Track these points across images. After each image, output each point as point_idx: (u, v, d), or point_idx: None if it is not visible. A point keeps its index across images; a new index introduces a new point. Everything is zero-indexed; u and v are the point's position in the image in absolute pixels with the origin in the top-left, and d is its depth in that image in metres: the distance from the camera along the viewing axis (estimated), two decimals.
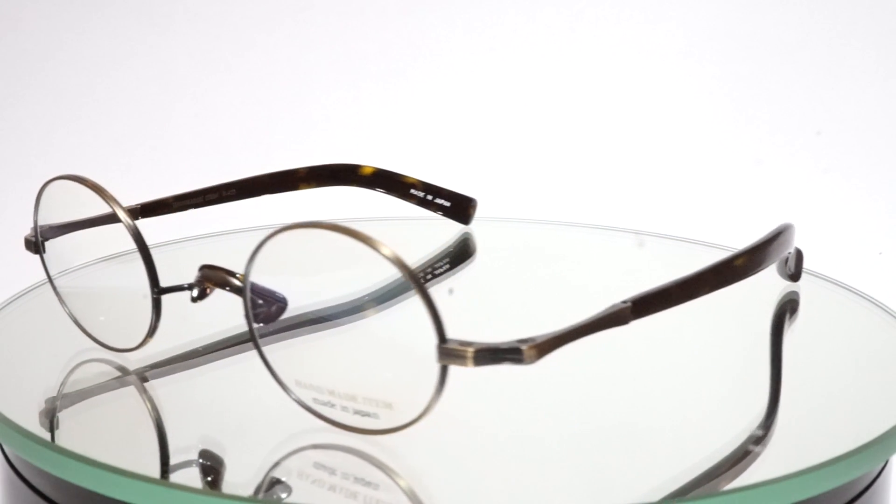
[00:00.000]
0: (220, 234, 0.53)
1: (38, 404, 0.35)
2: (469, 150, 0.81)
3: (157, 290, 0.35)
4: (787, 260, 0.44)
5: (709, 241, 0.51)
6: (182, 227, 0.51)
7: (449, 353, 0.29)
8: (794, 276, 0.44)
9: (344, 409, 0.32)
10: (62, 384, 0.37)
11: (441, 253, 0.51)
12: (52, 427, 0.33)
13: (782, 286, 0.44)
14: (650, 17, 0.83)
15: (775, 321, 0.43)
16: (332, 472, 0.32)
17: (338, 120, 0.83)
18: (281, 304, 0.34)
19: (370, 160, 0.55)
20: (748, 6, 0.82)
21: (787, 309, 0.44)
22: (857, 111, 0.80)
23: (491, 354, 0.29)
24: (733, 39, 0.82)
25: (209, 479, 0.30)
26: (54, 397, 0.36)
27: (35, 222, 0.39)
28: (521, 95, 0.83)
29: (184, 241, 0.51)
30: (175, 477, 0.30)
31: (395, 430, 0.31)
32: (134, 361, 0.38)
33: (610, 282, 0.50)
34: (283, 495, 0.30)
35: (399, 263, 0.30)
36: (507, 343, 0.29)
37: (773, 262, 0.41)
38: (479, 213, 0.53)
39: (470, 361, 0.29)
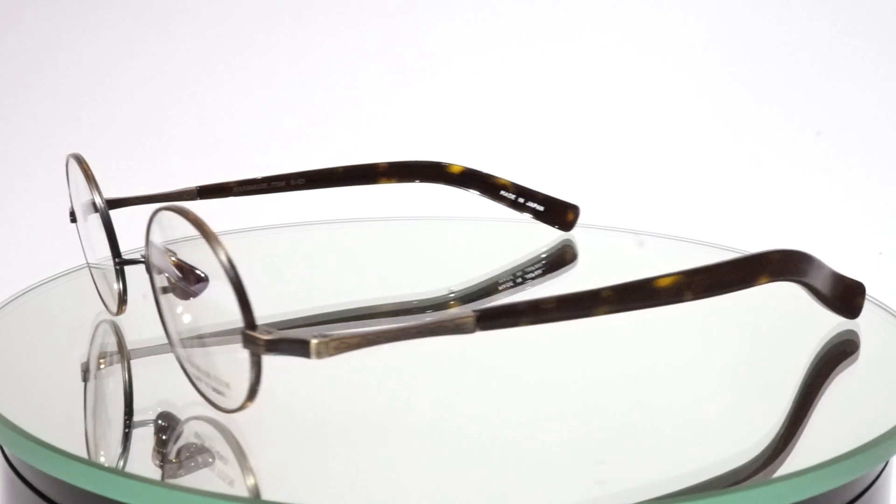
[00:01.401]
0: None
1: (37, 404, 0.35)
2: (469, 149, 0.81)
3: (119, 261, 0.38)
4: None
5: (709, 242, 0.51)
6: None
7: (248, 339, 0.29)
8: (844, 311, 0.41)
9: (206, 383, 0.33)
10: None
11: (536, 257, 0.50)
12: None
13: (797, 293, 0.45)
14: (650, 17, 0.83)
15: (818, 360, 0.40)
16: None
17: (337, 120, 0.83)
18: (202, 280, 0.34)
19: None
20: (748, 6, 0.82)
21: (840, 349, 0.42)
22: (857, 111, 0.80)
23: (281, 344, 0.29)
24: (733, 39, 0.82)
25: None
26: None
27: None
28: (518, 94, 0.83)
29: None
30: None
31: (229, 411, 0.31)
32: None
33: (609, 282, 0.50)
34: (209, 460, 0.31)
35: (211, 237, 0.30)
36: (297, 335, 0.29)
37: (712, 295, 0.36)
38: (479, 212, 0.53)
39: (262, 349, 0.29)
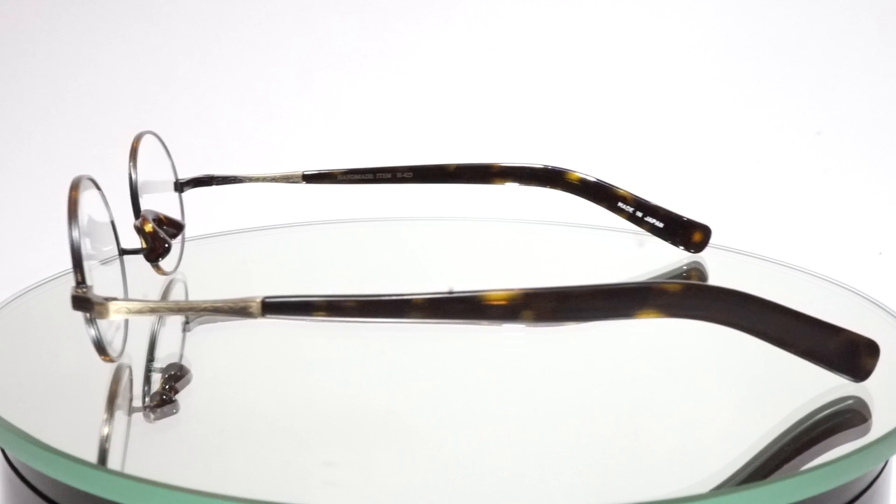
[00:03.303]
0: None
1: (38, 405, 0.35)
2: (467, 149, 0.81)
3: (121, 251, 0.38)
4: None
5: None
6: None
7: (73, 297, 0.32)
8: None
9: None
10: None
11: (656, 278, 0.48)
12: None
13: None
14: (650, 17, 0.83)
15: None
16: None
17: (337, 121, 0.84)
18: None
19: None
20: (748, 6, 0.82)
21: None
22: (857, 111, 0.80)
23: (78, 302, 0.32)
24: (733, 40, 0.82)
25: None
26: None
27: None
28: (517, 94, 0.83)
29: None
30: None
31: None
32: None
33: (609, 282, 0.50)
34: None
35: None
36: (92, 294, 0.32)
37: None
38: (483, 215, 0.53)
39: (71, 303, 0.33)
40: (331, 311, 0.32)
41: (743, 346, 0.42)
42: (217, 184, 0.50)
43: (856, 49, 0.80)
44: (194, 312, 0.34)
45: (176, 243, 0.45)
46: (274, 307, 0.32)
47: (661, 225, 0.49)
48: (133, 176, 0.43)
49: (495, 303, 0.32)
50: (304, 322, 0.34)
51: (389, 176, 0.49)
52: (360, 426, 0.34)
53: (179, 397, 0.36)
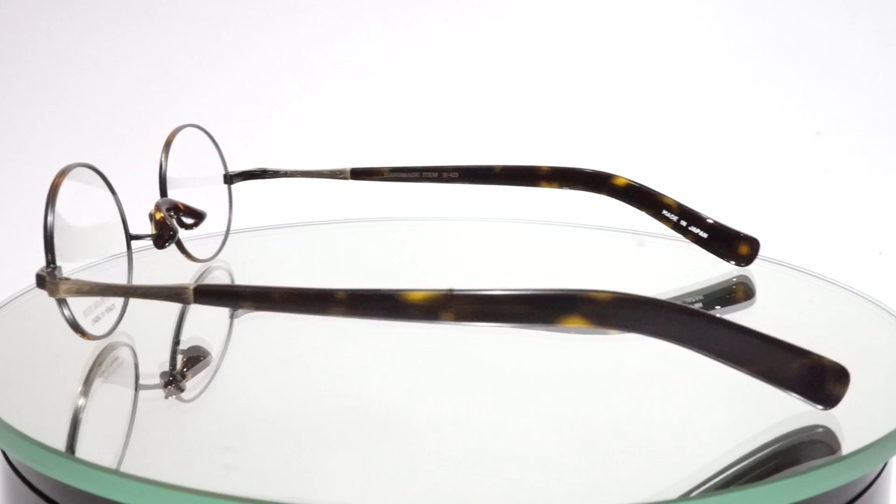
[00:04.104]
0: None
1: (38, 405, 0.35)
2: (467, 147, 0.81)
3: (129, 237, 0.40)
4: None
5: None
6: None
7: (36, 275, 0.35)
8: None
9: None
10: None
11: (702, 289, 0.46)
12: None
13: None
14: (650, 17, 0.83)
15: None
16: None
17: (337, 121, 0.84)
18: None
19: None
20: (748, 6, 0.82)
21: None
22: (857, 111, 0.80)
23: (38, 279, 0.35)
24: (733, 39, 0.82)
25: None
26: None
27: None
28: (514, 92, 0.83)
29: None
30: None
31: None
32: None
33: (609, 282, 0.50)
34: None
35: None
36: (50, 274, 0.34)
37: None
38: (479, 213, 0.53)
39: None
40: (257, 302, 0.33)
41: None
42: (269, 177, 0.51)
43: (856, 49, 0.80)
44: (133, 295, 0.35)
45: (214, 233, 0.49)
46: (205, 294, 0.33)
47: (705, 235, 0.47)
48: (163, 165, 0.45)
49: (415, 302, 0.32)
50: (303, 322, 0.34)
51: (435, 175, 0.49)
52: (360, 426, 0.34)
53: (191, 384, 0.37)
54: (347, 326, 0.39)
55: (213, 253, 0.49)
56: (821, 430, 0.32)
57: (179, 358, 0.40)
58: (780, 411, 0.33)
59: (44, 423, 0.33)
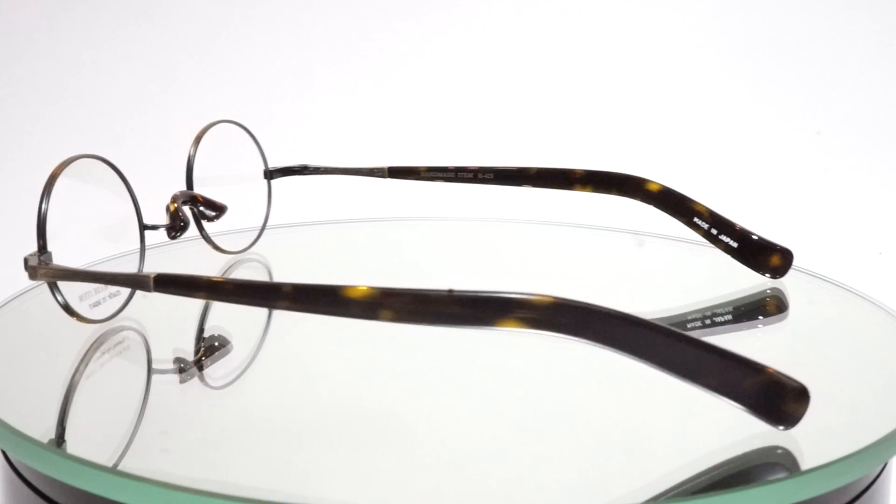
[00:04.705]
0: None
1: (38, 405, 0.35)
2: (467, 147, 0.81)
3: (142, 226, 0.41)
4: None
5: (708, 242, 0.51)
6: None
7: (24, 259, 0.37)
8: None
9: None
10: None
11: (731, 302, 0.45)
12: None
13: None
14: (650, 16, 0.83)
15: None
16: None
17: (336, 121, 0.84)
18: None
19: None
20: (748, 6, 0.82)
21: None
22: (857, 111, 0.80)
23: (25, 264, 0.37)
24: (733, 39, 0.82)
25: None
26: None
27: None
28: (511, 90, 0.83)
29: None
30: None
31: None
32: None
33: (610, 282, 0.50)
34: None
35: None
36: (34, 259, 0.37)
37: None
38: (467, 211, 0.53)
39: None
40: (210, 292, 0.35)
41: (742, 345, 0.42)
42: (308, 174, 0.52)
43: (856, 49, 0.80)
44: (100, 281, 0.37)
45: (248, 228, 0.51)
46: (163, 283, 0.35)
47: (735, 245, 0.46)
48: (191, 158, 0.46)
49: (354, 298, 0.32)
50: (303, 322, 0.34)
51: (471, 176, 0.50)
52: (360, 426, 0.34)
53: (189, 385, 0.37)
54: (347, 326, 0.39)
55: (243, 246, 0.50)
56: (780, 451, 0.31)
57: (200, 345, 0.41)
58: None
59: (44, 422, 0.33)
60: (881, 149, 0.79)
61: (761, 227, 0.46)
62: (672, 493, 0.29)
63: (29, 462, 0.31)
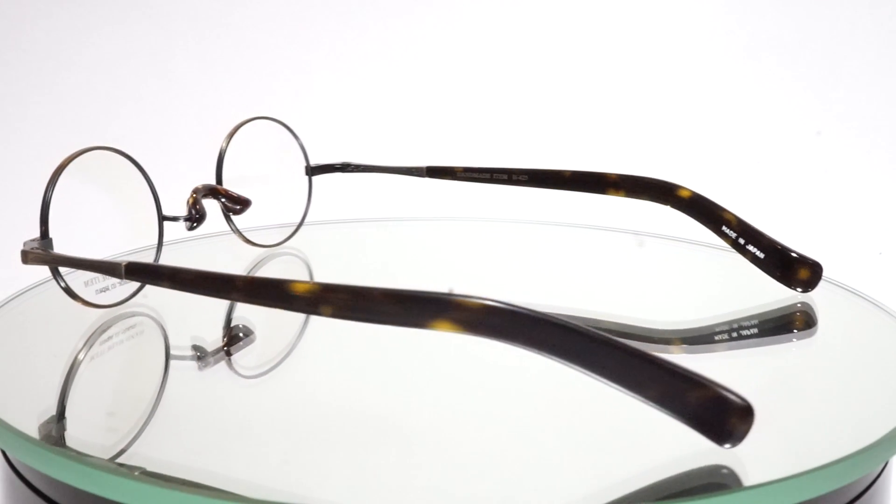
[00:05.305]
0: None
1: (37, 405, 0.35)
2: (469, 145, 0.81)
3: (161, 217, 0.43)
4: None
5: (708, 242, 0.51)
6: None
7: (24, 244, 0.39)
8: None
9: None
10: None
11: (760, 313, 0.44)
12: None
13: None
14: (650, 16, 0.83)
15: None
16: None
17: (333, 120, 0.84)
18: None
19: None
20: (748, 6, 0.82)
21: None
22: (857, 111, 0.80)
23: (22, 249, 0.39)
24: (733, 39, 0.82)
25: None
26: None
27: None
28: (509, 89, 0.83)
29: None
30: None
31: None
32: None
33: (610, 282, 0.50)
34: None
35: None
36: (31, 245, 0.39)
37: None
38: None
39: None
40: (172, 281, 0.36)
41: (741, 345, 0.42)
42: (349, 171, 0.53)
43: (856, 49, 0.80)
44: (79, 267, 0.39)
45: (284, 223, 0.52)
46: (132, 271, 0.37)
47: (761, 255, 0.44)
48: (222, 151, 0.48)
49: (298, 294, 0.32)
50: (302, 322, 0.34)
51: (506, 177, 0.50)
52: (359, 426, 0.34)
53: (188, 386, 0.37)
54: (346, 326, 0.39)
55: (277, 241, 0.52)
56: (725, 470, 0.30)
57: (226, 334, 0.42)
58: (776, 410, 0.33)
59: (43, 422, 0.33)
60: (881, 149, 0.79)
61: (761, 228, 0.46)
62: (673, 494, 0.29)
63: (29, 462, 0.31)
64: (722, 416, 0.29)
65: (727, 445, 0.29)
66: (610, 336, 0.30)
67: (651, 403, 0.30)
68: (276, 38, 0.84)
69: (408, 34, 0.84)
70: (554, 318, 0.30)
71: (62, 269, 0.39)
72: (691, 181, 0.49)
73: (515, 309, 0.30)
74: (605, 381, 0.30)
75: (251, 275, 0.34)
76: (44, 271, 0.42)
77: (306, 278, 0.49)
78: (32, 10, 0.83)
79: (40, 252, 0.39)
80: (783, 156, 0.80)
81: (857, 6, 0.80)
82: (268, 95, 0.83)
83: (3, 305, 0.42)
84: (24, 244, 0.39)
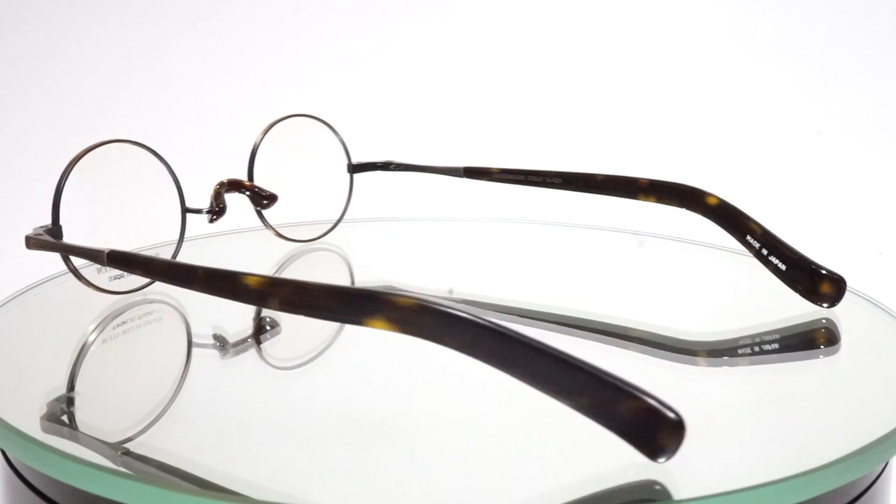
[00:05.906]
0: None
1: (36, 405, 0.35)
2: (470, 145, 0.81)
3: (184, 210, 0.44)
4: None
5: (708, 242, 0.51)
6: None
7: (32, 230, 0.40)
8: None
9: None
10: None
11: (783, 328, 0.43)
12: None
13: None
14: (650, 16, 0.83)
15: None
16: None
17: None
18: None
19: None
20: (749, 6, 0.82)
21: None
22: (857, 111, 0.80)
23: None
24: (733, 39, 0.82)
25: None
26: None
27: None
28: (508, 89, 0.83)
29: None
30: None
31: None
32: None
33: (610, 282, 0.50)
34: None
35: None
36: (36, 232, 0.40)
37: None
38: (463, 211, 0.53)
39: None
40: (145, 270, 0.38)
41: (741, 344, 0.42)
42: (391, 170, 0.54)
43: (856, 49, 0.80)
44: (71, 252, 0.40)
45: (319, 220, 0.53)
46: (113, 259, 0.38)
47: (783, 267, 0.43)
48: (256, 146, 0.49)
49: (249, 286, 0.33)
50: (302, 322, 0.34)
51: (540, 180, 0.50)
52: (359, 426, 0.34)
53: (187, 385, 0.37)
54: (347, 328, 0.39)
55: (313, 236, 0.52)
56: (658, 487, 0.29)
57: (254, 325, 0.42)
58: (776, 410, 0.33)
59: (44, 423, 0.33)
60: (881, 149, 0.79)
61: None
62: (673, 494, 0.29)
63: (29, 462, 0.31)
64: (653, 429, 0.28)
65: (661, 460, 0.28)
66: (542, 342, 0.29)
67: (581, 411, 0.29)
68: (297, 38, 0.84)
69: (430, 38, 0.84)
70: (483, 320, 0.29)
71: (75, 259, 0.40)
72: (691, 181, 0.49)
73: (443, 309, 0.30)
74: (534, 386, 0.29)
75: (211, 267, 0.34)
76: (41, 272, 0.42)
77: (343, 273, 0.51)
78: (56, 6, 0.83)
79: (41, 239, 0.40)
80: (783, 156, 0.80)
81: (857, 6, 0.80)
82: (272, 96, 0.83)
83: (3, 305, 0.42)
84: (32, 230, 0.40)
